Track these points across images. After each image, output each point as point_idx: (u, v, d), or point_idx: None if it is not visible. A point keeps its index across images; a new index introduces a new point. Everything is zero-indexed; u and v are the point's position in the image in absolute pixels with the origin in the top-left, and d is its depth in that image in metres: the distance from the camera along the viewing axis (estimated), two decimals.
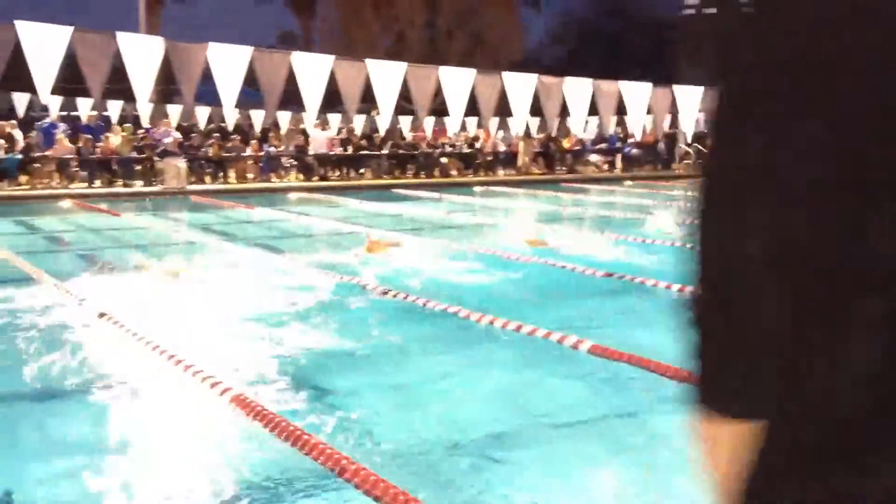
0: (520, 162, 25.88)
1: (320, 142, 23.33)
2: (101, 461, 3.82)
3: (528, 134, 25.92)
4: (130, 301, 7.28)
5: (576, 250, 10.27)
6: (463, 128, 25.73)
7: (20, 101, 25.92)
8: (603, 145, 27.65)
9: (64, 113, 25.67)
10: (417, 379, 5.26)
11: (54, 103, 23.59)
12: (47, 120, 21.05)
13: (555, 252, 9.84)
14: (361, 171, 23.99)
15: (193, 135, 22.48)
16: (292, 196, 18.92)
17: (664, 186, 20.96)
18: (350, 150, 24.04)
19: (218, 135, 22.70)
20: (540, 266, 9.11)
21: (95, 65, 12.61)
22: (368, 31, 42.96)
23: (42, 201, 17.27)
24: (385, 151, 24.15)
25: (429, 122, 24.95)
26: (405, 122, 27.28)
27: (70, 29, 12.38)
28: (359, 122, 24.14)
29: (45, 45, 12.12)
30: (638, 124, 21.21)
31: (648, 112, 21.16)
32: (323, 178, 22.60)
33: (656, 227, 12.34)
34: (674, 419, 4.44)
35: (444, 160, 24.90)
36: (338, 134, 25.18)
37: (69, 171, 19.85)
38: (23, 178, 19.56)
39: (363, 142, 24.51)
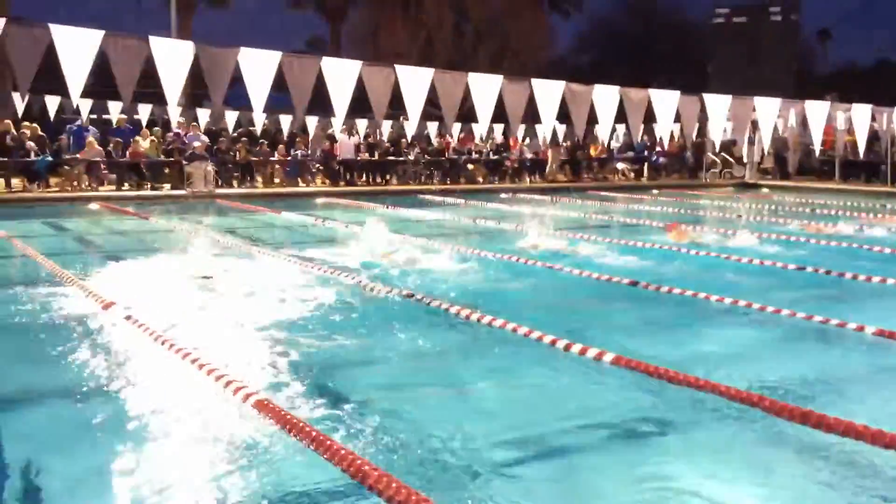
0: (549, 169, 25.83)
1: (347, 147, 23.41)
2: (121, 462, 3.84)
3: (556, 141, 25.85)
4: (156, 303, 7.33)
5: (601, 258, 10.23)
6: (490, 134, 25.70)
7: (52, 103, 26.17)
8: (630, 153, 27.54)
9: (94, 116, 25.92)
10: (439, 385, 5.25)
11: (85, 106, 23.86)
12: (77, 122, 21.23)
13: (579, 260, 9.79)
14: (388, 176, 24.05)
15: (222, 139, 22.62)
16: (319, 201, 18.99)
17: (691, 195, 20.83)
18: (377, 155, 24.11)
19: (245, 139, 22.83)
20: (564, 274, 9.08)
21: (126, 68, 12.67)
22: (397, 38, 43.09)
23: (71, 203, 17.43)
24: (411, 157, 24.18)
25: (455, 129, 24.95)
26: (432, 127, 27.29)
27: (102, 33, 12.48)
28: (385, 128, 24.17)
29: (77, 49, 12.21)
30: (666, 132, 21.07)
31: (676, 120, 21.00)
32: (349, 184, 22.67)
33: (680, 236, 12.26)
34: (697, 433, 4.41)
35: (470, 167, 24.90)
36: (365, 139, 25.26)
37: (98, 174, 20.02)
38: (52, 180, 19.75)
39: (390, 147, 24.57)
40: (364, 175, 23.83)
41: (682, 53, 50.11)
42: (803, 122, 22.57)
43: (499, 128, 27.13)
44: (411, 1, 44.98)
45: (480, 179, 24.82)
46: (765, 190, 23.96)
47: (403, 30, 44.35)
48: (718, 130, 20.24)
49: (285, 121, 25.97)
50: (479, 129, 24.44)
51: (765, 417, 4.41)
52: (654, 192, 22.43)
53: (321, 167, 23.32)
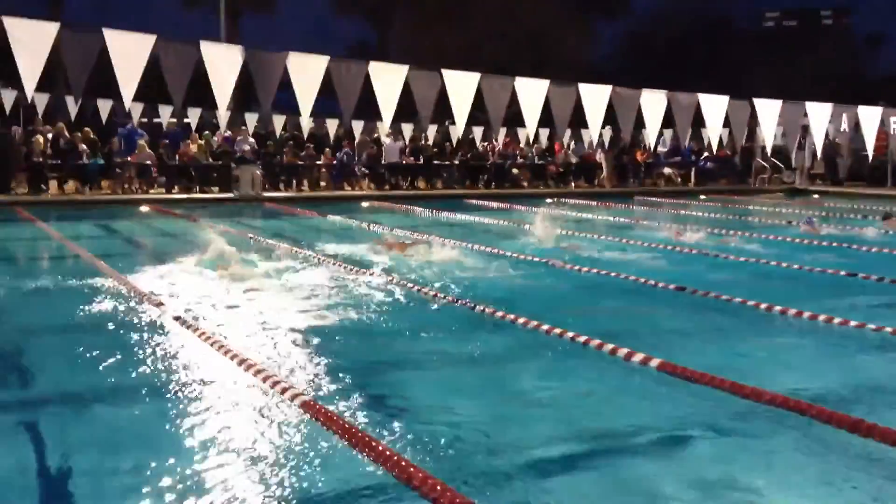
0: (604, 174, 25.65)
1: (393, 151, 23.52)
2: (167, 461, 3.88)
3: (608, 146, 25.63)
4: (205, 305, 7.43)
5: (648, 263, 10.15)
6: (536, 139, 25.64)
7: (104, 107, 26.62)
8: (677, 158, 27.28)
9: (145, 119, 26.32)
10: (484, 389, 5.24)
11: (136, 110, 24.24)
12: (128, 126, 21.59)
13: (626, 264, 9.72)
14: (433, 180, 24.11)
15: (269, 143, 22.85)
16: (364, 204, 19.09)
17: (739, 201, 20.59)
18: (422, 160, 24.18)
19: (292, 143, 23.04)
20: (610, 279, 9.02)
21: (178, 73, 12.88)
22: (442, 43, 43.23)
23: (122, 206, 17.71)
24: (456, 162, 24.22)
25: (501, 133, 24.91)
26: (478, 132, 27.29)
27: (153, 37, 12.68)
28: (431, 132, 24.23)
29: (129, 53, 12.43)
30: (714, 137, 20.86)
31: (725, 125, 20.78)
32: (394, 188, 22.75)
33: (728, 242, 12.13)
34: (746, 441, 4.35)
35: (515, 171, 24.86)
36: (410, 143, 25.36)
37: (149, 177, 20.33)
38: (104, 183, 20.10)
39: (435, 151, 24.64)
40: (409, 179, 23.91)
41: (731, 58, 49.55)
42: (855, 128, 22.22)
43: (544, 132, 27.04)
44: (457, 6, 45.13)
45: (525, 184, 24.78)
46: (815, 196, 23.60)
47: (449, 35, 44.48)
48: (769, 135, 20.00)
49: (331, 125, 26.15)
50: (525, 133, 24.38)
51: (813, 425, 4.35)
52: (702, 197, 22.20)
53: (367, 171, 23.45)
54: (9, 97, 23.16)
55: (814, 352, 6.35)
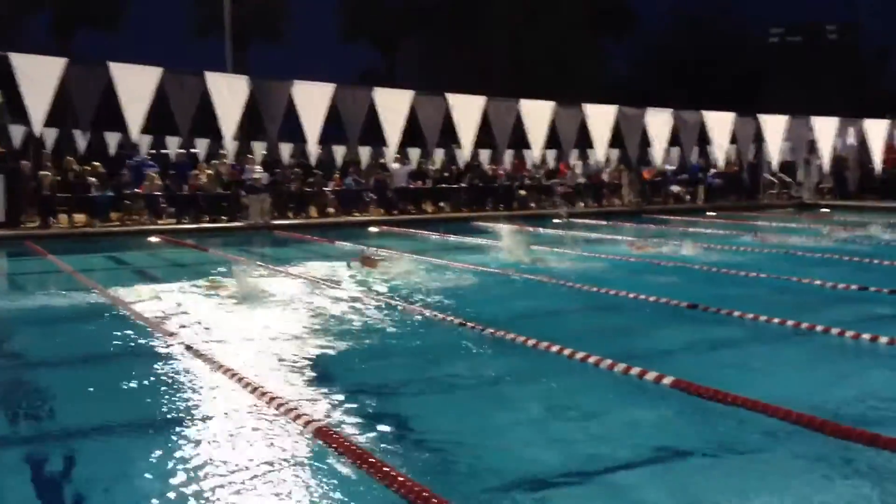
0: (624, 194, 25.62)
1: (400, 176, 23.57)
2: (183, 491, 3.87)
3: (630, 165, 25.55)
4: (216, 333, 7.44)
5: (659, 280, 10.13)
6: (543, 161, 25.69)
7: (111, 139, 26.80)
8: (685, 175, 27.28)
9: (153, 151, 26.47)
10: (496, 412, 5.20)
11: (143, 141, 24.41)
12: (137, 158, 21.70)
13: (639, 283, 9.69)
14: (441, 204, 24.13)
15: (277, 171, 22.93)
16: (372, 230, 19.11)
17: (748, 217, 20.55)
18: (429, 183, 24.22)
19: (299, 170, 23.11)
20: (621, 298, 9.00)
21: (184, 103, 13.00)
22: (451, 67, 43.46)
23: (132, 237, 17.76)
24: (464, 185, 24.25)
25: (508, 155, 24.99)
26: (484, 155, 27.36)
27: (160, 70, 12.80)
28: (438, 156, 24.30)
29: (135, 86, 12.54)
30: (720, 154, 20.89)
31: (732, 141, 20.81)
32: (402, 212, 22.78)
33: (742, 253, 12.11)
34: (763, 457, 4.31)
35: (522, 192, 24.87)
36: (417, 168, 25.42)
37: (158, 208, 20.40)
38: (113, 215, 20.17)
39: (444, 174, 24.68)
40: (417, 203, 23.93)
41: (738, 73, 49.63)
42: (862, 142, 22.21)
43: (551, 153, 27.09)
44: (465, 29, 45.38)
45: (533, 205, 24.77)
46: (824, 210, 23.55)
47: (457, 59, 44.71)
48: (775, 151, 20.01)
49: (338, 151, 26.26)
50: (532, 155, 24.42)
51: (830, 441, 4.32)
52: (711, 213, 22.16)
53: (374, 196, 23.49)
54: (18, 132, 23.35)
55: (825, 365, 6.30)
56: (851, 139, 24.39)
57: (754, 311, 7.75)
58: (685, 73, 49.20)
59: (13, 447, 4.74)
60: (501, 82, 40.14)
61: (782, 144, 21.88)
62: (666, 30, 54.63)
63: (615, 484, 4.05)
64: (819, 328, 7.05)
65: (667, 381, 5.42)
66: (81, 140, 25.31)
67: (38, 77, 11.97)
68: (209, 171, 21.61)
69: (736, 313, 7.79)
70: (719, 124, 18.30)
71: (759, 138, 21.10)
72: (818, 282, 9.60)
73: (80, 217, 19.92)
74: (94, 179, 20.19)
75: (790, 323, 7.29)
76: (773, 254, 12.96)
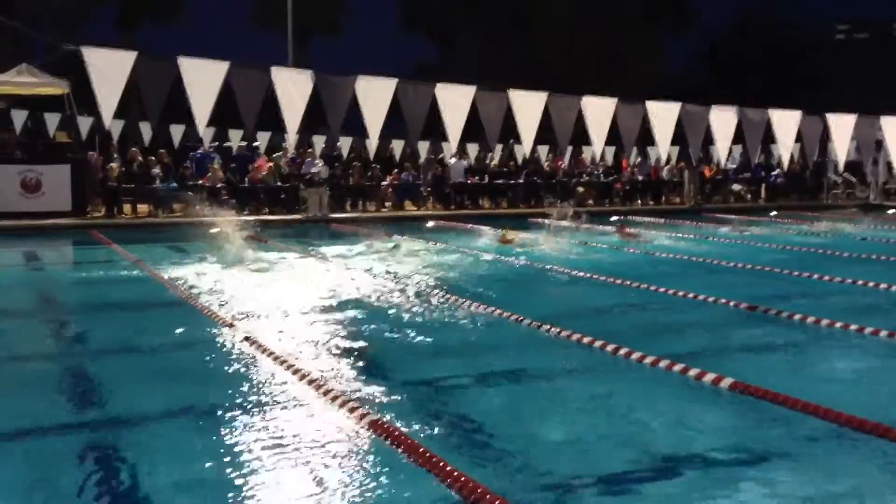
0: (686, 192, 25.34)
1: (458, 171, 23.61)
2: (237, 481, 3.95)
3: (692, 163, 25.23)
4: (274, 325, 7.55)
5: (717, 282, 10.01)
6: (602, 157, 25.50)
7: (176, 132, 27.26)
8: (747, 174, 26.87)
9: (216, 143, 26.87)
10: (553, 409, 5.19)
11: (207, 134, 24.78)
12: (200, 150, 22.07)
13: (693, 283, 9.59)
14: (498, 199, 24.11)
15: (337, 164, 23.12)
16: (429, 224, 19.16)
17: (811, 217, 20.19)
18: (487, 179, 24.22)
19: (358, 164, 23.28)
20: (678, 299, 8.93)
21: (249, 97, 13.20)
22: (508, 60, 43.36)
23: (193, 227, 18.04)
24: (521, 181, 24.19)
25: (567, 152, 24.86)
26: (542, 150, 27.25)
27: (227, 64, 13.01)
28: (497, 151, 24.28)
29: (203, 80, 12.77)
30: (785, 153, 20.52)
31: (797, 140, 20.44)
32: (460, 207, 22.81)
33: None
34: (822, 463, 4.25)
35: (580, 189, 24.73)
36: (476, 163, 25.43)
37: (220, 199, 20.71)
38: (176, 206, 20.53)
39: (502, 169, 24.65)
40: (475, 198, 23.94)
41: (802, 72, 48.69)
42: None
43: (610, 150, 26.89)
44: (522, 24, 45.21)
45: (591, 202, 24.62)
46: (891, 211, 23.01)
47: (514, 52, 44.59)
48: (842, 150, 19.61)
49: (397, 145, 26.38)
50: (591, 151, 24.26)
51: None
52: (773, 213, 21.81)
53: (431, 191, 23.57)
54: (85, 124, 23.88)
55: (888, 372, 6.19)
56: None
57: (816, 314, 7.64)
58: (744, 71, 48.35)
59: (77, 433, 4.86)
60: (556, 76, 39.95)
61: (849, 144, 21.44)
62: (726, 26, 53.76)
63: (670, 484, 4.03)
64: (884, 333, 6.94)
65: (725, 383, 5.38)
66: (147, 132, 25.78)
67: (109, 70, 12.27)
68: (270, 164, 21.87)
69: (797, 316, 7.69)
70: (785, 123, 18.00)
71: (825, 137, 20.71)
72: (884, 285, 9.42)
73: (143, 207, 20.33)
74: (157, 171, 20.57)
75: (853, 327, 7.18)
76: (832, 255, 12.72)
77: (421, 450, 4.17)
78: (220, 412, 5.01)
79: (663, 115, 16.74)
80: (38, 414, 5.09)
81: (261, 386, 5.58)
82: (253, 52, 40.98)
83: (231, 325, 7.39)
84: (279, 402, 5.21)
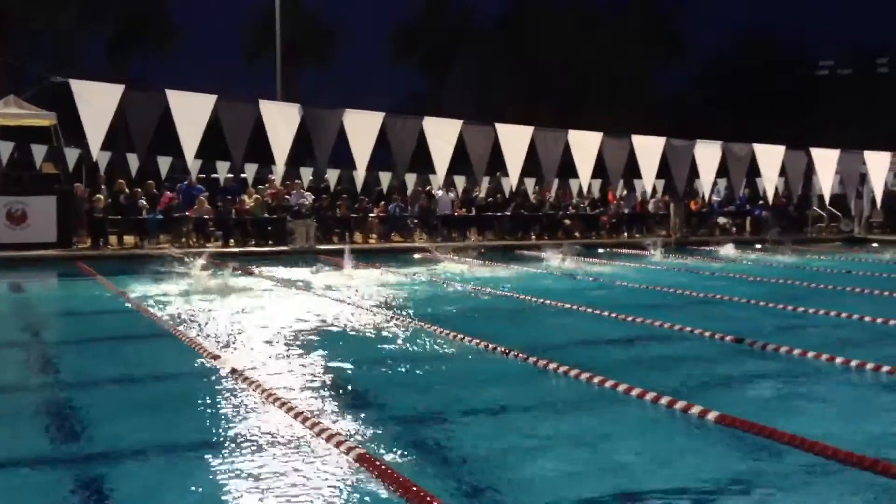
0: (672, 224, 25.41)
1: (445, 203, 23.67)
2: None
3: (678, 196, 25.31)
4: (260, 357, 7.52)
5: (702, 315, 10.04)
6: (588, 190, 25.63)
7: (163, 163, 27.23)
8: (731, 207, 27.04)
9: (202, 175, 26.86)
10: (540, 445, 5.16)
11: (194, 166, 24.78)
12: (186, 182, 22.07)
13: (679, 315, 9.61)
14: (485, 231, 24.17)
15: (324, 196, 23.15)
16: (416, 256, 19.17)
17: (796, 250, 20.30)
18: (473, 211, 24.29)
19: (345, 196, 23.32)
20: (663, 330, 8.95)
21: (237, 130, 13.24)
22: (499, 90, 43.73)
23: (178, 259, 17.99)
24: (508, 213, 24.27)
25: (554, 185, 24.95)
26: (529, 183, 27.36)
27: (214, 97, 13.07)
28: (484, 184, 24.37)
29: (191, 112, 12.81)
30: (770, 187, 20.66)
31: (781, 174, 20.60)
32: (446, 239, 22.84)
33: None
34: (808, 497, 4.26)
35: (566, 221, 24.81)
36: (462, 194, 25.50)
37: (206, 231, 20.69)
38: (162, 238, 20.49)
39: (489, 201, 24.72)
40: (461, 230, 23.98)
41: (788, 104, 49.08)
42: None
43: (596, 183, 27.01)
44: (514, 53, 45.58)
45: (577, 234, 24.69)
46: (874, 244, 23.17)
47: (506, 82, 44.94)
48: (826, 184, 19.77)
49: (384, 177, 26.43)
50: (577, 184, 24.36)
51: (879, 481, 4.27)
52: (758, 246, 21.91)
53: (419, 222, 23.61)
54: (72, 155, 23.84)
55: (870, 402, 6.20)
56: None
57: (802, 346, 7.67)
58: (734, 98, 48.69)
59: (61, 466, 4.82)
60: (551, 104, 40.20)
61: (833, 178, 21.58)
62: (718, 53, 54.14)
63: None
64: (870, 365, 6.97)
65: (711, 416, 5.39)
66: (134, 163, 25.75)
67: (97, 102, 12.29)
68: (256, 196, 21.88)
69: (783, 349, 7.71)
70: (769, 157, 18.15)
71: (809, 171, 20.88)
72: (868, 318, 9.47)
73: (129, 239, 20.28)
74: (144, 202, 20.54)
75: (839, 360, 7.21)
76: (818, 289, 12.79)
77: (406, 482, 4.14)
78: (202, 445, 4.97)
79: (649, 149, 16.87)
80: (17, 446, 5.04)
81: (244, 418, 5.55)
82: (245, 80, 41.05)
83: (216, 357, 7.36)
84: (262, 434, 5.17)
